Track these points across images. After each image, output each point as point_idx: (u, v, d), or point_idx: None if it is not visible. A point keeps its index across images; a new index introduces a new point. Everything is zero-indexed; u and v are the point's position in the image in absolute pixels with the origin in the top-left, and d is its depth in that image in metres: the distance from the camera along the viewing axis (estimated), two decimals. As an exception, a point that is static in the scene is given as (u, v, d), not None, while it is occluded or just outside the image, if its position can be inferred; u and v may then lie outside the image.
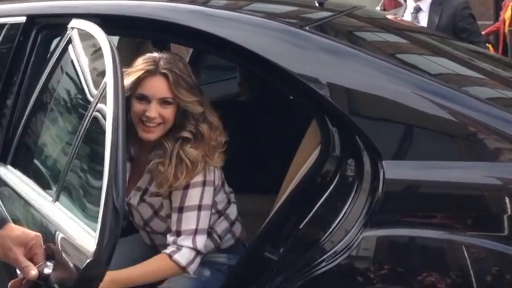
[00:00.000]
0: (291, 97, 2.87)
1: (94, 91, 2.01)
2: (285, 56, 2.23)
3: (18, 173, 2.35)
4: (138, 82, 2.33)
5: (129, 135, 2.41)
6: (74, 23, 2.30)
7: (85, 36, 2.20)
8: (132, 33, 2.69)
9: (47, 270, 1.71)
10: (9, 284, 1.74)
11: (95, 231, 1.67)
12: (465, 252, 1.99)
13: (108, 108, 1.76)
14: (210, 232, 2.43)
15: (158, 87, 2.33)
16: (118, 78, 1.80)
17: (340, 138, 2.15)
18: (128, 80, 2.32)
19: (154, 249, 2.50)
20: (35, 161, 2.31)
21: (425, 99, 2.13)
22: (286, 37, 2.31)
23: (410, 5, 5.25)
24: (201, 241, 2.34)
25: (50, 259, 1.73)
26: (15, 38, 2.52)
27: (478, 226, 2.02)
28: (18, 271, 1.72)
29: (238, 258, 2.49)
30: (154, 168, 2.34)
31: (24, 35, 2.51)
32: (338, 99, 2.16)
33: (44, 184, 2.18)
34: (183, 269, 2.32)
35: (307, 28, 2.37)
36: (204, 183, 2.34)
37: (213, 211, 2.43)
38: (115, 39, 3.30)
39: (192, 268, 2.34)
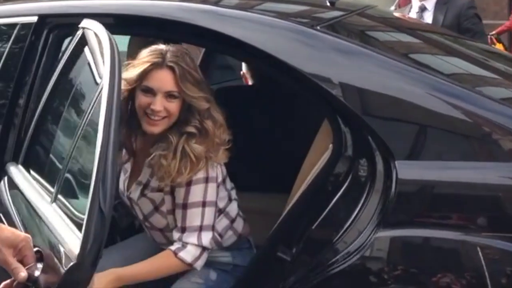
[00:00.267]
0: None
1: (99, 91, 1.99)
2: (296, 56, 2.22)
3: (26, 173, 2.35)
4: (144, 74, 2.30)
5: (132, 128, 2.40)
6: (85, 23, 2.30)
7: (93, 36, 2.19)
8: (144, 32, 2.69)
9: (37, 273, 1.70)
10: (1, 286, 1.72)
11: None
12: (480, 253, 1.97)
13: (102, 110, 1.72)
14: None
15: (164, 80, 2.30)
16: (114, 81, 1.77)
17: (352, 138, 2.14)
18: (133, 72, 2.30)
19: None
20: (41, 161, 2.31)
21: (438, 99, 2.12)
22: (298, 37, 2.30)
23: (415, 4, 5.24)
24: (207, 237, 2.32)
25: (41, 261, 1.72)
26: (27, 38, 2.52)
27: (493, 227, 2.01)
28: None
29: (242, 255, 2.48)
30: (156, 161, 2.32)
31: (35, 34, 2.51)
32: (351, 99, 2.15)
33: (45, 185, 2.17)
34: (190, 265, 2.32)
35: (318, 27, 2.36)
36: (206, 180, 2.32)
37: None
38: (127, 38, 3.31)
39: (199, 264, 2.33)
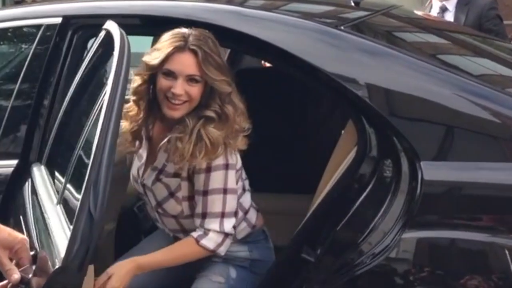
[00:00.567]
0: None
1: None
2: (321, 56, 2.21)
3: (46, 174, 2.35)
4: (166, 57, 2.27)
5: (152, 112, 2.39)
6: (108, 24, 2.30)
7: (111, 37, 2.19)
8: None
9: (31, 275, 1.69)
10: None
11: None
12: (508, 255, 1.95)
13: (101, 113, 1.71)
14: None
15: (186, 63, 2.27)
16: (118, 84, 1.75)
17: (377, 138, 2.13)
18: (155, 55, 2.28)
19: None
20: (60, 162, 2.31)
21: (466, 100, 2.10)
22: (322, 37, 2.29)
23: (436, 4, 5.20)
24: (229, 224, 2.31)
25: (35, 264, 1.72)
26: (51, 39, 2.53)
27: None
28: None
29: (258, 249, 2.46)
30: (172, 144, 2.29)
31: (60, 35, 2.53)
32: (376, 100, 2.13)
33: (56, 186, 2.17)
34: (212, 251, 2.31)
35: (342, 28, 2.34)
36: (226, 166, 2.29)
37: None
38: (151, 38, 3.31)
39: (222, 250, 2.31)
